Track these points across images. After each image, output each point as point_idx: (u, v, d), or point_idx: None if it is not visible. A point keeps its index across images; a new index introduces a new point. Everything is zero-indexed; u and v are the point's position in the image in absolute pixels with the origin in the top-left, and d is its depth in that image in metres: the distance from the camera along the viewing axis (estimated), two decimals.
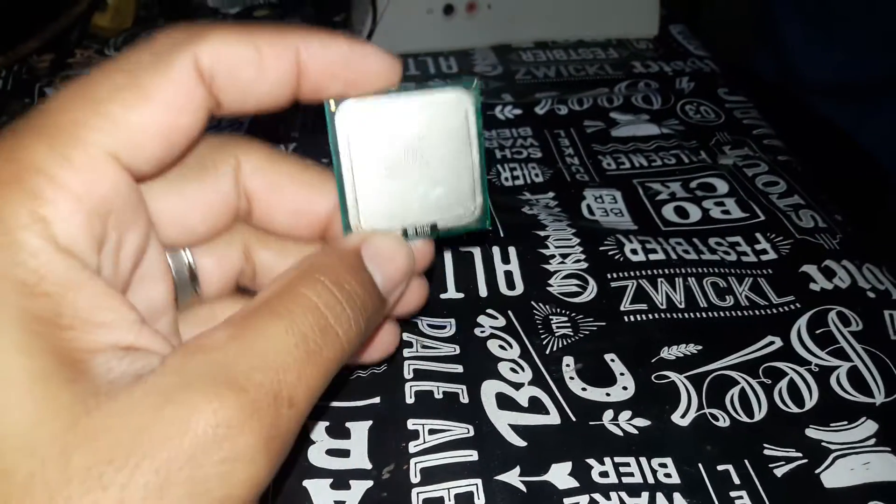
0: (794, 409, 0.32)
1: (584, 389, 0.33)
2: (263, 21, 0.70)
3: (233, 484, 0.17)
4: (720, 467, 0.29)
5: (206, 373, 0.17)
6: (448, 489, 0.28)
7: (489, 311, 0.37)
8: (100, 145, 0.18)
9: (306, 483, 0.29)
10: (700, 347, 0.35)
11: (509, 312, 0.37)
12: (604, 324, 0.36)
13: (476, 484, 0.28)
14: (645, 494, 0.28)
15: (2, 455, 0.16)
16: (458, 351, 0.34)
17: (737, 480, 0.29)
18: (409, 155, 0.24)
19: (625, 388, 0.33)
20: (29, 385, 0.16)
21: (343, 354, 0.20)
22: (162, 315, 0.23)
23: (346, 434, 0.31)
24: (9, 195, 0.17)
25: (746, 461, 0.30)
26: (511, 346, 0.35)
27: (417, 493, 0.28)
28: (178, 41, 0.19)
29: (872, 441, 0.30)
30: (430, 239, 0.26)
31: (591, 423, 0.31)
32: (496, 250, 0.40)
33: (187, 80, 0.19)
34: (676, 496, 0.28)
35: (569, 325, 0.36)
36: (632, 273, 0.39)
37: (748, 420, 0.31)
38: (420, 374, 0.33)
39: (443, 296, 0.38)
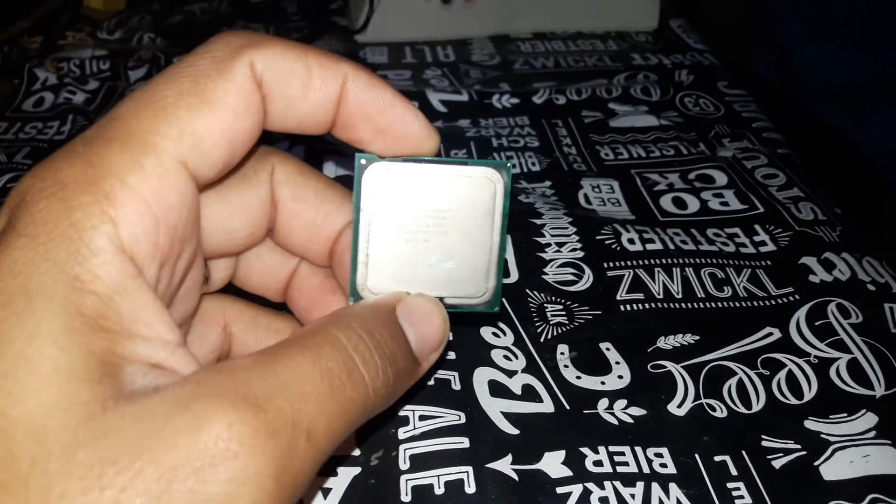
0: (793, 401, 0.31)
1: (578, 378, 0.32)
2: (260, 6, 0.69)
3: None
4: (717, 458, 0.29)
5: (226, 388, 0.17)
6: (438, 476, 0.28)
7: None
8: (170, 153, 0.18)
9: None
10: (697, 338, 0.34)
11: (503, 300, 0.36)
12: (599, 312, 0.35)
13: (467, 471, 0.28)
14: (640, 484, 0.28)
15: (12, 439, 0.15)
16: (450, 337, 0.34)
17: (734, 471, 0.28)
18: (430, 224, 0.23)
19: (620, 377, 0.32)
20: (52, 375, 0.16)
21: (368, 402, 0.20)
22: (186, 322, 0.23)
23: None
24: (83, 195, 0.17)
25: (744, 452, 0.29)
26: (505, 334, 0.34)
27: (406, 480, 0.27)
28: (236, 47, 0.20)
29: (872, 433, 0.30)
30: None
31: (585, 411, 0.30)
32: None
33: (247, 85, 0.20)
34: (672, 486, 0.27)
35: (564, 313, 0.35)
36: (628, 262, 0.38)
37: (746, 411, 0.31)
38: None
39: None
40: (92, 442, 0.15)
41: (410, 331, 0.22)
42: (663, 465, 0.28)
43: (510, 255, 0.39)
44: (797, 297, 0.36)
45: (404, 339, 0.22)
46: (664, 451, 0.29)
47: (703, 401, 0.31)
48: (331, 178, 0.25)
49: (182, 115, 0.19)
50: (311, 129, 0.22)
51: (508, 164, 0.23)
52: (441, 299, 0.24)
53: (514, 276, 0.37)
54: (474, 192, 0.23)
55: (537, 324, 0.35)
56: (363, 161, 0.23)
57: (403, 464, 0.28)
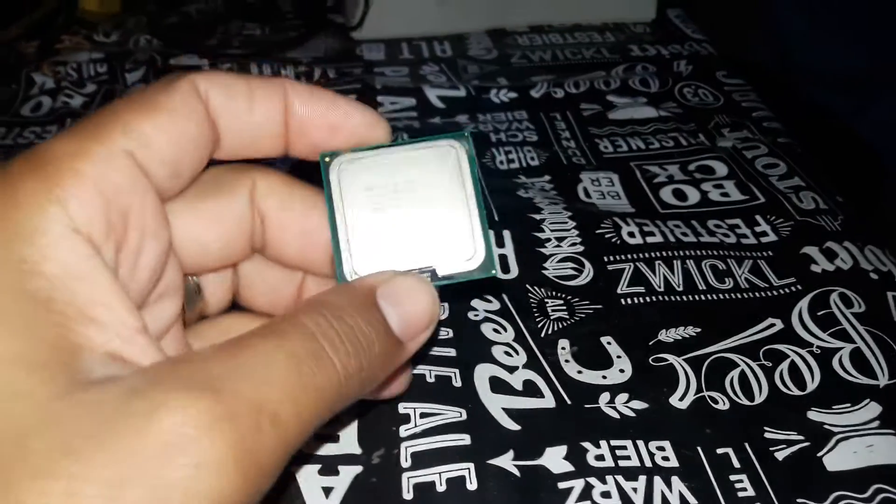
0: (796, 392, 0.31)
1: (579, 372, 0.32)
2: (255, 5, 0.69)
3: (196, 494, 0.15)
4: (720, 451, 0.29)
5: (183, 375, 0.16)
6: (440, 473, 0.27)
7: (483, 294, 0.36)
8: (117, 143, 0.19)
9: (294, 469, 0.28)
10: (699, 330, 0.34)
11: (504, 296, 0.36)
12: (600, 307, 0.35)
13: (468, 468, 0.28)
14: (642, 478, 0.27)
15: None
16: (451, 334, 0.34)
17: (737, 464, 0.28)
18: (403, 203, 0.23)
19: (622, 371, 0.32)
20: (1, 364, 0.15)
21: (341, 388, 0.19)
22: (169, 331, 0.23)
23: (335, 418, 0.30)
24: (28, 179, 0.17)
25: (746, 444, 0.29)
26: (505, 330, 0.34)
27: (408, 478, 0.27)
28: (179, 76, 0.21)
29: (876, 423, 0.29)
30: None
31: (586, 406, 0.30)
32: (490, 234, 0.39)
33: (189, 95, 0.21)
34: (675, 480, 0.27)
35: (564, 308, 0.35)
36: (629, 256, 0.38)
37: (748, 403, 0.30)
38: (412, 357, 0.32)
39: None
40: (44, 431, 0.15)
41: (392, 312, 0.22)
42: (665, 459, 0.28)
43: (510, 251, 0.39)
44: (799, 287, 0.36)
45: (382, 323, 0.21)
46: (666, 444, 0.29)
47: (706, 393, 0.31)
48: (317, 188, 0.25)
49: (130, 118, 0.19)
50: (266, 145, 0.23)
51: (466, 133, 0.24)
52: (433, 272, 0.24)
53: (514, 271, 0.37)
54: (439, 161, 0.24)
55: (538, 319, 0.34)
56: (327, 158, 0.23)
57: (405, 461, 0.28)
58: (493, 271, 0.24)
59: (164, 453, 0.15)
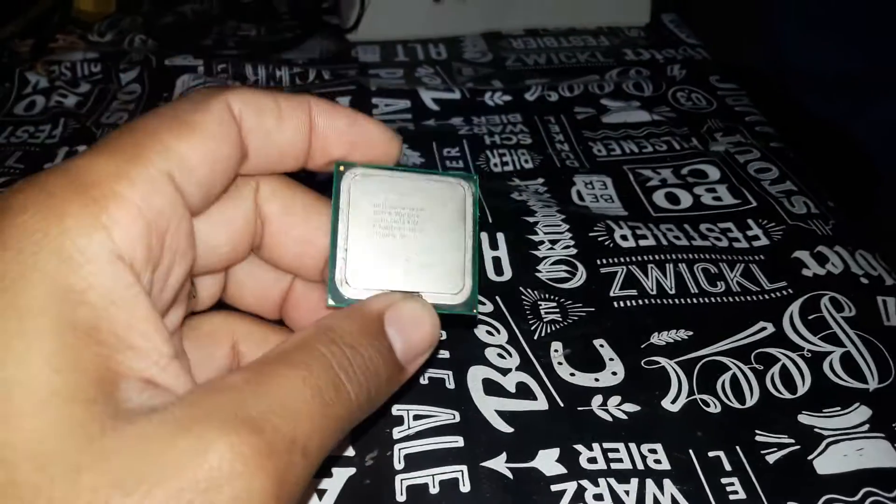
0: (787, 395, 0.31)
1: (572, 375, 0.32)
2: (251, 6, 0.69)
3: None
4: (711, 454, 0.29)
5: (224, 409, 0.17)
6: (433, 476, 0.28)
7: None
8: (156, 164, 0.19)
9: None
10: (691, 333, 0.34)
11: (497, 298, 0.36)
12: (593, 309, 0.35)
13: (461, 470, 0.28)
14: (634, 481, 0.28)
15: (12, 465, 0.15)
16: (444, 336, 0.34)
17: (728, 467, 0.28)
18: (406, 221, 0.24)
19: (614, 374, 0.32)
20: (48, 398, 0.15)
21: (352, 417, 0.20)
22: (174, 335, 0.23)
23: None
24: (72, 204, 0.17)
25: (738, 447, 0.29)
26: (499, 332, 0.34)
27: (401, 480, 0.27)
28: (212, 92, 0.21)
29: (866, 427, 0.30)
30: None
31: (579, 408, 0.30)
32: (484, 236, 0.40)
33: (225, 116, 0.21)
34: (666, 482, 0.28)
35: (557, 310, 0.35)
36: (621, 259, 0.38)
37: (740, 406, 0.31)
38: None
39: None
40: (95, 465, 0.15)
41: (398, 338, 0.22)
42: (657, 462, 0.28)
43: (503, 254, 0.39)
44: (790, 291, 0.36)
45: (389, 351, 0.22)
46: (658, 447, 0.29)
47: (697, 396, 0.31)
48: (317, 193, 0.26)
49: (166, 137, 0.19)
50: (291, 159, 0.23)
51: (475, 177, 0.25)
52: (419, 296, 0.24)
53: (507, 274, 0.37)
54: (447, 193, 0.25)
55: (531, 321, 0.35)
56: (341, 168, 0.24)
57: (398, 463, 0.28)
58: (475, 311, 0.25)
59: (214, 488, 0.16)
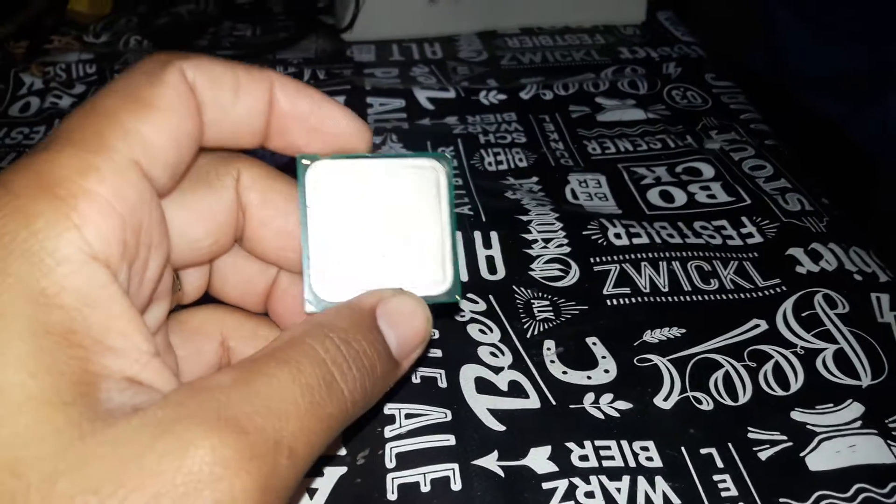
0: (780, 392, 0.31)
1: (564, 373, 0.32)
2: (246, 6, 0.69)
3: None
4: (703, 451, 0.29)
5: (207, 409, 0.16)
6: (424, 474, 0.28)
7: (470, 295, 0.36)
8: (121, 152, 0.18)
9: None
10: (684, 331, 0.34)
11: (490, 297, 0.36)
12: (586, 307, 0.35)
13: (453, 469, 0.28)
14: (626, 478, 0.28)
15: None
16: (436, 335, 0.34)
17: (720, 464, 0.28)
18: (378, 216, 0.23)
19: (606, 372, 0.32)
20: (23, 403, 0.15)
21: (346, 414, 0.19)
22: (158, 331, 0.22)
23: None
24: (40, 203, 0.16)
25: (730, 444, 0.29)
26: (491, 331, 0.34)
27: (392, 479, 0.27)
28: (164, 60, 0.20)
29: (858, 423, 0.30)
30: None
31: (571, 406, 0.30)
32: (478, 235, 0.40)
33: (182, 88, 0.20)
34: (658, 480, 0.27)
35: (550, 308, 0.35)
36: (615, 257, 0.38)
37: (732, 403, 0.31)
38: None
39: None
40: (72, 471, 0.15)
41: (391, 333, 0.22)
42: (649, 459, 0.28)
43: (497, 252, 0.39)
44: (784, 288, 0.36)
45: (383, 345, 0.22)
46: (650, 444, 0.29)
47: (690, 394, 0.31)
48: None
49: (126, 119, 0.18)
50: (246, 138, 0.22)
51: (447, 156, 0.24)
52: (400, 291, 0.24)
53: (500, 272, 0.37)
54: (418, 181, 0.23)
55: (524, 320, 0.35)
56: (305, 161, 0.23)
57: (389, 462, 0.28)
58: (457, 297, 0.24)
59: (193, 492, 0.15)
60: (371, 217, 0.23)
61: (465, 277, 0.37)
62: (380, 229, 0.23)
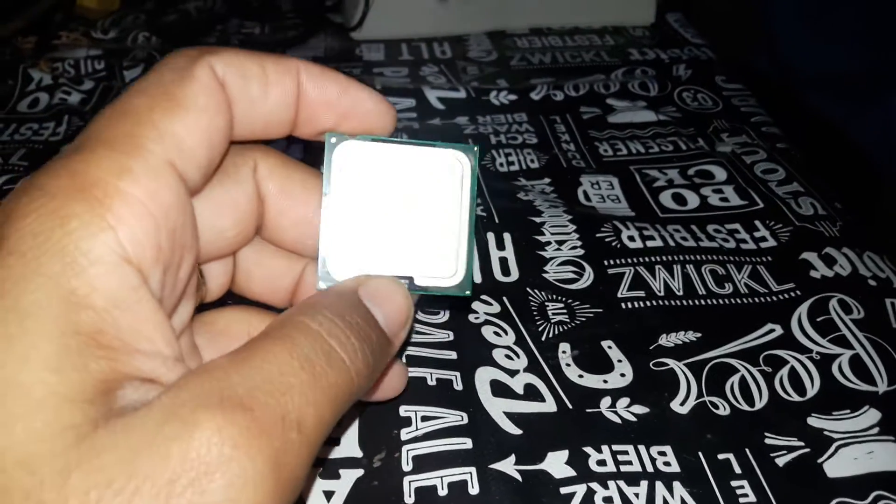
0: (796, 398, 0.31)
1: (580, 376, 0.32)
2: (254, 4, 0.68)
3: None
4: (721, 456, 0.29)
5: (208, 391, 0.16)
6: (441, 477, 0.27)
7: (484, 297, 0.36)
8: (156, 154, 0.18)
9: None
10: (699, 335, 0.34)
11: (504, 299, 0.36)
12: (601, 310, 0.35)
13: (470, 472, 0.28)
14: (644, 483, 0.27)
15: (2, 470, 0.15)
16: (451, 337, 0.33)
17: (738, 469, 0.28)
18: (399, 203, 0.23)
19: (622, 375, 0.32)
20: (44, 400, 0.15)
21: (353, 384, 0.19)
22: (183, 332, 0.22)
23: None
24: (75, 203, 0.16)
25: (747, 450, 0.29)
26: (506, 333, 0.34)
27: (409, 482, 0.27)
28: (193, 56, 0.20)
29: (876, 430, 0.29)
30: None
31: (587, 410, 0.30)
32: (491, 236, 0.40)
33: (213, 85, 0.20)
34: (676, 485, 0.27)
35: (565, 311, 0.35)
36: (629, 260, 0.38)
37: (749, 408, 0.31)
38: (413, 361, 0.32)
39: None
40: (84, 464, 0.15)
41: (377, 310, 0.22)
42: (667, 464, 0.28)
43: (510, 254, 0.38)
44: (798, 293, 0.36)
45: (374, 319, 0.22)
46: (667, 449, 0.29)
47: (706, 398, 0.31)
48: (316, 170, 0.25)
49: (159, 119, 0.18)
50: (276, 129, 0.22)
51: (476, 148, 0.24)
52: (411, 280, 0.24)
53: (514, 274, 0.37)
54: (442, 172, 0.23)
55: (538, 323, 0.34)
56: (333, 139, 0.23)
57: (406, 465, 0.28)
58: (468, 292, 0.24)
59: (205, 475, 0.15)
60: (392, 202, 0.23)
61: (478, 279, 0.37)
62: (399, 215, 0.23)
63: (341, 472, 0.28)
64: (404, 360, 0.32)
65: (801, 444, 0.29)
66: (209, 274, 0.25)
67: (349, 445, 0.29)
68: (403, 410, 0.30)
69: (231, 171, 0.23)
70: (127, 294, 0.17)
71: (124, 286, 0.17)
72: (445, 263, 0.24)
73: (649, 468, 0.28)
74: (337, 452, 0.28)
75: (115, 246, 0.16)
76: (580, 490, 0.27)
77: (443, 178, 0.23)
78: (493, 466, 0.28)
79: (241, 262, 0.25)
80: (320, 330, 0.19)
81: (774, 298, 0.36)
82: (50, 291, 0.16)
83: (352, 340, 0.20)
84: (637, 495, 0.27)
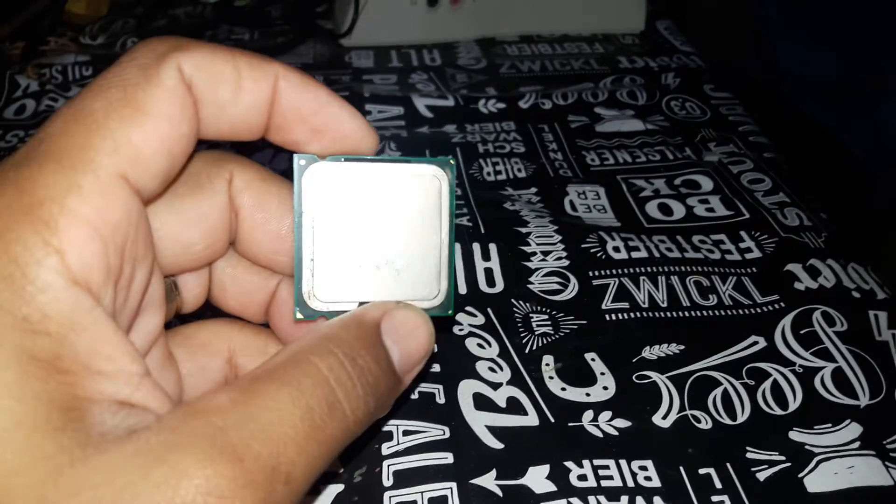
0: (778, 411, 0.31)
1: (563, 389, 0.32)
2: (244, 10, 0.68)
3: None
4: (702, 470, 0.29)
5: (202, 435, 0.16)
6: (421, 493, 0.27)
7: (468, 308, 0.36)
8: (108, 168, 0.17)
9: None
10: (682, 347, 0.34)
11: (489, 310, 0.36)
12: (585, 322, 0.35)
13: (450, 488, 0.28)
14: (624, 498, 0.27)
15: None
16: (435, 349, 0.33)
17: (718, 484, 0.28)
18: (375, 225, 0.22)
19: (605, 388, 0.32)
20: (12, 430, 0.15)
21: (348, 434, 0.19)
22: (155, 342, 0.22)
23: None
24: (20, 226, 0.16)
25: (728, 464, 0.29)
26: (490, 345, 0.34)
27: (390, 497, 0.27)
28: (161, 52, 0.19)
29: (857, 444, 0.30)
30: None
31: (570, 424, 0.30)
32: (476, 247, 0.40)
33: (178, 90, 0.19)
34: (657, 500, 0.27)
35: (549, 323, 0.35)
36: (614, 271, 0.38)
37: (731, 422, 0.31)
38: None
39: None
40: (63, 500, 0.15)
41: (394, 348, 0.21)
42: (648, 479, 0.28)
43: (496, 265, 0.38)
44: (782, 304, 0.36)
45: (387, 361, 0.21)
46: (649, 463, 0.29)
47: (689, 412, 0.31)
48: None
49: (115, 128, 0.17)
50: (244, 134, 0.21)
51: (451, 161, 0.23)
52: (396, 303, 0.23)
53: (499, 285, 0.37)
54: (419, 190, 0.22)
55: (522, 334, 0.34)
56: (302, 161, 0.22)
57: (387, 480, 0.28)
58: (450, 311, 0.23)
59: None
60: (367, 224, 0.22)
61: (463, 290, 0.37)
62: (375, 237, 0.22)
63: (321, 487, 0.28)
64: None
65: (783, 458, 0.29)
66: (184, 285, 0.24)
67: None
68: (385, 424, 0.30)
69: (204, 182, 0.22)
70: (81, 317, 0.16)
71: (77, 309, 0.16)
72: (429, 284, 0.23)
73: (630, 483, 0.28)
74: None
75: (62, 270, 0.16)
76: None
77: (420, 196, 0.23)
78: (473, 481, 0.28)
79: (216, 274, 0.25)
80: (329, 377, 0.19)
81: (758, 310, 0.36)
82: (2, 319, 0.15)
83: (358, 390, 0.19)
84: None
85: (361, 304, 0.23)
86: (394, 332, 0.22)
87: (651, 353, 0.34)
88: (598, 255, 0.39)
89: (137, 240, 0.18)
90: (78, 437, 0.15)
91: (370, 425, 0.21)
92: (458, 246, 0.39)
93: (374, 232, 0.22)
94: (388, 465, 0.28)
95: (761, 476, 0.28)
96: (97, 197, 0.17)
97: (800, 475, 0.28)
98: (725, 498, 0.28)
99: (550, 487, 0.28)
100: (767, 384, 0.32)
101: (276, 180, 0.24)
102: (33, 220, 0.16)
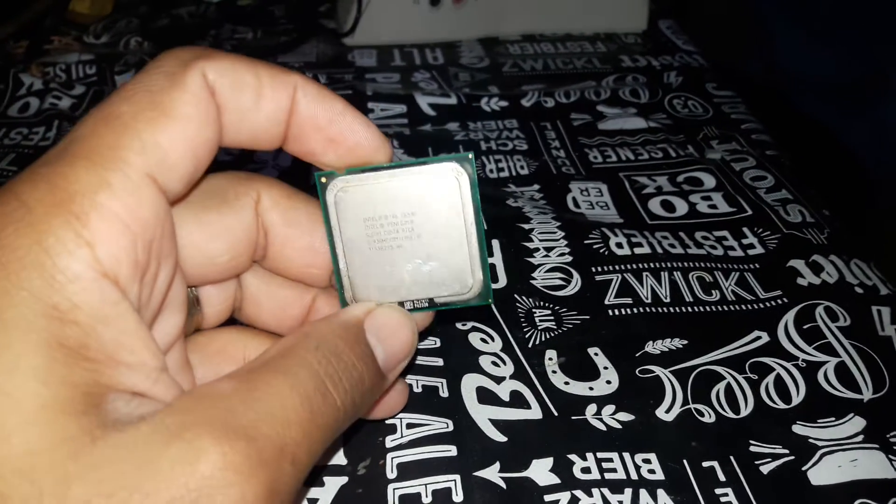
0: (781, 405, 0.31)
1: (566, 383, 0.32)
2: (247, 10, 0.68)
3: None
4: (705, 464, 0.29)
5: (215, 417, 0.17)
6: (425, 485, 0.27)
7: (474, 318, 0.36)
8: (137, 167, 0.18)
9: None
10: (685, 342, 0.34)
11: (493, 305, 0.36)
12: (588, 317, 0.35)
13: (454, 480, 0.28)
14: (628, 491, 0.27)
15: (1, 478, 0.15)
16: (438, 344, 0.33)
17: (722, 477, 0.28)
18: (400, 230, 0.23)
19: (608, 383, 0.32)
20: (37, 411, 0.15)
21: (338, 423, 0.20)
22: (174, 345, 0.22)
23: None
24: (52, 218, 0.16)
25: (732, 458, 0.29)
26: (493, 340, 0.34)
27: (394, 489, 0.27)
28: (186, 60, 0.20)
29: (860, 438, 0.30)
30: (429, 312, 0.25)
31: (573, 417, 0.30)
32: (488, 261, 0.39)
33: (203, 95, 0.19)
34: (660, 493, 0.27)
35: (552, 318, 0.35)
36: (617, 267, 0.38)
37: (734, 416, 0.31)
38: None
39: None
40: (84, 475, 0.15)
41: (378, 346, 0.22)
42: (651, 472, 0.28)
43: (498, 260, 0.39)
44: (785, 300, 0.36)
45: (371, 358, 0.22)
46: (652, 456, 0.29)
47: (692, 406, 0.31)
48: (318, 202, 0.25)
49: (143, 129, 0.18)
50: (264, 142, 0.22)
51: (470, 155, 0.23)
52: (431, 300, 0.24)
53: (502, 281, 0.37)
54: (437, 189, 0.23)
55: (525, 329, 0.35)
56: (323, 179, 0.23)
57: (391, 472, 0.28)
58: (490, 300, 0.24)
59: (206, 497, 0.16)
60: (394, 234, 0.23)
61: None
62: (403, 245, 0.23)
63: (326, 479, 0.28)
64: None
65: (786, 451, 0.29)
66: (207, 300, 0.25)
67: (333, 451, 0.29)
68: (389, 418, 0.30)
69: (231, 198, 0.23)
70: (108, 309, 0.17)
71: (105, 301, 0.17)
72: (462, 279, 0.24)
73: (634, 476, 0.28)
74: (321, 459, 0.28)
75: (92, 262, 0.17)
76: (564, 498, 0.27)
77: (441, 196, 0.23)
78: (477, 474, 0.28)
79: (250, 291, 0.26)
80: (319, 370, 0.20)
81: (761, 306, 0.36)
82: (33, 305, 0.16)
83: (343, 382, 0.20)
84: (621, 503, 0.27)
85: (401, 303, 0.24)
86: (377, 331, 0.23)
87: (654, 347, 0.34)
88: (601, 251, 0.39)
89: (163, 238, 0.19)
90: (96, 420, 0.16)
91: (357, 419, 0.22)
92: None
93: (399, 236, 0.23)
94: (392, 458, 0.28)
95: (765, 469, 0.28)
96: (127, 194, 0.17)
97: (803, 468, 0.28)
98: (729, 491, 0.28)
99: (554, 480, 0.28)
100: (770, 378, 0.32)
101: (302, 197, 0.25)
102: (65, 214, 0.17)
